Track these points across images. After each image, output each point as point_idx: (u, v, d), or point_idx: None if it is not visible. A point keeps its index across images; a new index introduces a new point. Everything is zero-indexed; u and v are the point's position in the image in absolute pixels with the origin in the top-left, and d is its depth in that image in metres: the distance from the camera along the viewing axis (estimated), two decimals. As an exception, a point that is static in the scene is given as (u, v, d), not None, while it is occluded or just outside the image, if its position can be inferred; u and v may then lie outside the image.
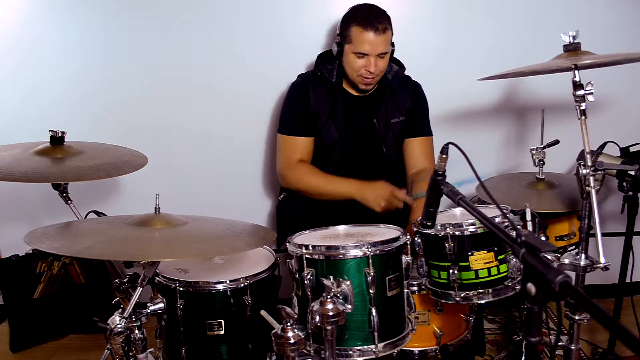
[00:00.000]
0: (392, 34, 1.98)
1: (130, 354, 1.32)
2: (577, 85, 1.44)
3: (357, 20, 1.92)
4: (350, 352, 1.34)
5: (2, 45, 2.39)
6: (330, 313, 1.21)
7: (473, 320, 1.65)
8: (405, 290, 1.45)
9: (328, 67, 2.07)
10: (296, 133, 2.05)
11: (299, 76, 2.15)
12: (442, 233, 1.45)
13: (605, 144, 1.84)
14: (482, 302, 1.46)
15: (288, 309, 1.22)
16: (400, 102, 2.09)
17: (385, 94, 2.07)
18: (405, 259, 1.45)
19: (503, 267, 1.45)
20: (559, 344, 1.57)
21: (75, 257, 2.38)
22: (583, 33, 1.54)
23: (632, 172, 1.65)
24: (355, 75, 1.97)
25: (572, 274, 1.47)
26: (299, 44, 2.40)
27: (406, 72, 2.17)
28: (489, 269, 1.44)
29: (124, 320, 1.28)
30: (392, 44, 2.01)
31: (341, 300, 1.29)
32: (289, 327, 1.18)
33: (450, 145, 1.19)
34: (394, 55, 2.13)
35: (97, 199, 2.43)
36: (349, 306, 1.31)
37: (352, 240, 1.43)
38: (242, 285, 1.56)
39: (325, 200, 1.99)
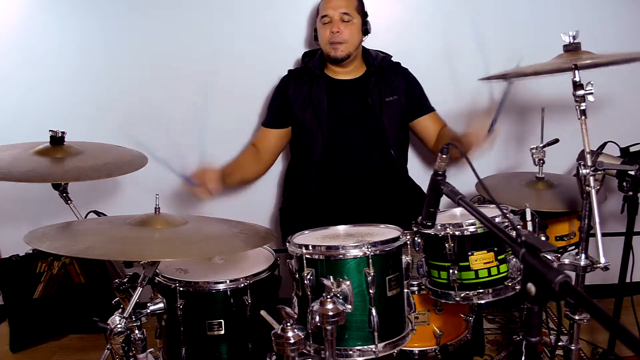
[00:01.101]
0: (360, 6, 2.09)
1: (130, 354, 1.32)
2: (577, 85, 1.44)
3: None
4: (350, 352, 1.35)
5: (3, 45, 2.39)
6: (330, 313, 1.21)
7: (473, 320, 1.65)
8: (405, 290, 1.46)
9: (312, 60, 2.13)
10: (268, 125, 2.14)
11: (288, 71, 2.20)
12: (442, 233, 1.45)
13: (605, 144, 1.84)
14: (482, 302, 1.46)
15: (288, 309, 1.22)
16: (393, 83, 2.11)
17: (374, 76, 2.08)
18: (405, 259, 1.45)
19: (503, 267, 1.45)
20: (559, 344, 1.57)
21: (75, 257, 2.38)
22: (583, 33, 1.54)
23: (632, 172, 1.65)
24: (326, 43, 2.04)
25: (572, 274, 1.47)
26: (301, 44, 2.40)
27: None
28: (489, 269, 1.44)
29: (124, 320, 1.29)
30: (366, 22, 2.09)
31: (341, 300, 1.29)
32: (289, 327, 1.18)
33: (450, 145, 1.19)
34: (380, 50, 2.19)
35: (97, 199, 2.43)
36: (349, 306, 1.31)
37: (352, 240, 1.43)
38: (242, 285, 1.56)
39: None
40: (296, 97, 2.05)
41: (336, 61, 2.04)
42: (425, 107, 2.19)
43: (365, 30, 2.10)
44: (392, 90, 2.10)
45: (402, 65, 2.22)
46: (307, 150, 2.05)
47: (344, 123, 2.04)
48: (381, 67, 2.11)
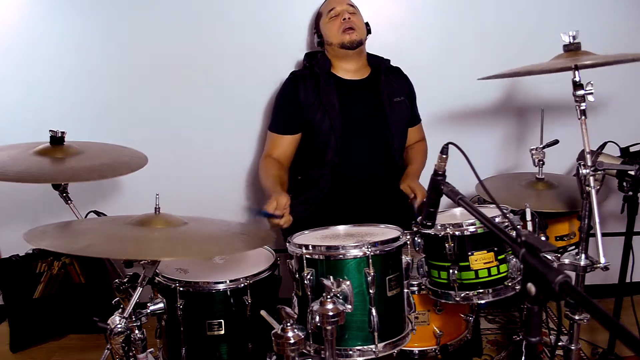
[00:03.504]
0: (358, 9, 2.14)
1: (130, 354, 1.32)
2: (577, 85, 1.44)
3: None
4: (350, 352, 1.34)
5: (3, 45, 2.39)
6: (330, 313, 1.21)
7: (472, 320, 1.65)
8: (405, 290, 1.46)
9: (317, 61, 2.11)
10: (280, 131, 2.08)
11: (290, 73, 2.17)
12: (442, 233, 1.45)
13: (605, 144, 1.84)
14: (482, 302, 1.46)
15: (288, 309, 1.22)
16: (398, 86, 2.14)
17: (383, 74, 2.10)
18: (406, 259, 1.45)
19: (503, 267, 1.45)
20: (559, 344, 1.57)
21: (75, 256, 2.38)
22: (583, 33, 1.54)
23: (632, 172, 1.65)
24: (338, 35, 2.04)
25: (572, 274, 1.47)
26: (300, 44, 2.40)
27: (407, 73, 2.22)
28: (489, 269, 1.44)
29: (124, 320, 1.28)
30: (367, 23, 2.14)
31: (341, 300, 1.29)
32: (289, 327, 1.18)
33: (450, 145, 1.19)
34: (380, 52, 2.18)
35: (97, 199, 2.43)
36: (349, 306, 1.31)
37: (352, 240, 1.43)
38: (242, 285, 1.56)
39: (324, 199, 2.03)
40: (307, 99, 2.03)
41: (351, 46, 2.03)
42: (417, 117, 2.25)
43: (368, 30, 2.13)
44: (398, 92, 2.12)
45: (401, 69, 2.22)
46: (317, 150, 2.04)
47: (355, 123, 2.03)
48: (387, 67, 2.14)
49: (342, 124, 2.01)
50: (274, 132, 2.10)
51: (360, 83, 2.10)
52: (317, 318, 1.22)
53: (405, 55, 2.29)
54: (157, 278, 1.59)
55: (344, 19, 2.04)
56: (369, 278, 1.33)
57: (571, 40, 1.53)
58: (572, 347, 1.54)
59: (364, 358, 1.34)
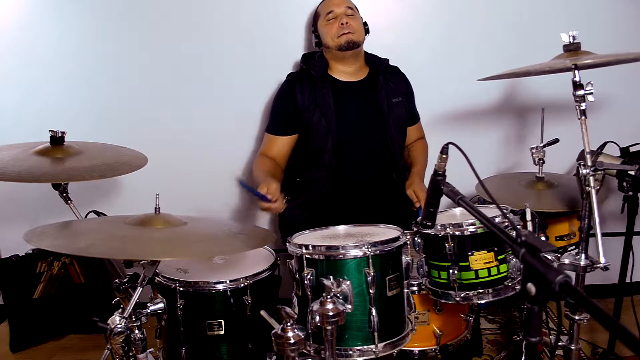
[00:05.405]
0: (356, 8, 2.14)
1: (130, 354, 1.32)
2: (577, 85, 1.44)
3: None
4: (350, 352, 1.34)
5: (2, 45, 2.39)
6: (330, 313, 1.21)
7: (472, 320, 1.65)
8: (405, 290, 1.45)
9: (312, 62, 2.11)
10: (277, 132, 2.09)
11: (288, 75, 2.17)
12: (442, 233, 1.45)
13: (605, 144, 1.84)
14: (482, 302, 1.46)
15: (288, 309, 1.22)
16: (396, 86, 2.13)
17: (381, 75, 2.09)
18: (405, 259, 1.45)
19: (503, 267, 1.45)
20: (559, 344, 1.57)
21: (75, 256, 2.38)
22: (583, 33, 1.54)
23: (632, 172, 1.65)
24: (335, 38, 2.03)
25: (572, 274, 1.47)
26: (301, 44, 2.40)
27: (406, 73, 2.22)
28: (489, 269, 1.44)
29: (124, 320, 1.28)
30: (365, 23, 2.12)
31: (341, 300, 1.29)
32: (289, 327, 1.18)
33: (450, 145, 1.19)
34: (378, 52, 2.18)
35: (97, 199, 2.43)
36: (349, 306, 1.31)
37: (352, 240, 1.43)
38: (242, 285, 1.56)
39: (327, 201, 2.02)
40: (303, 101, 2.02)
41: (348, 47, 2.01)
42: (416, 116, 2.25)
43: (366, 30, 2.11)
44: (396, 92, 2.11)
45: (401, 69, 2.22)
46: (315, 153, 2.03)
47: (352, 125, 2.03)
48: (385, 68, 2.13)
49: (339, 126, 2.00)
50: (271, 134, 2.10)
51: (357, 84, 2.10)
52: (317, 318, 1.22)
53: (404, 55, 2.29)
54: (157, 278, 1.59)
55: (342, 23, 2.01)
56: (369, 278, 1.33)
57: (571, 40, 1.53)
58: (572, 347, 1.54)
59: (364, 358, 1.34)
